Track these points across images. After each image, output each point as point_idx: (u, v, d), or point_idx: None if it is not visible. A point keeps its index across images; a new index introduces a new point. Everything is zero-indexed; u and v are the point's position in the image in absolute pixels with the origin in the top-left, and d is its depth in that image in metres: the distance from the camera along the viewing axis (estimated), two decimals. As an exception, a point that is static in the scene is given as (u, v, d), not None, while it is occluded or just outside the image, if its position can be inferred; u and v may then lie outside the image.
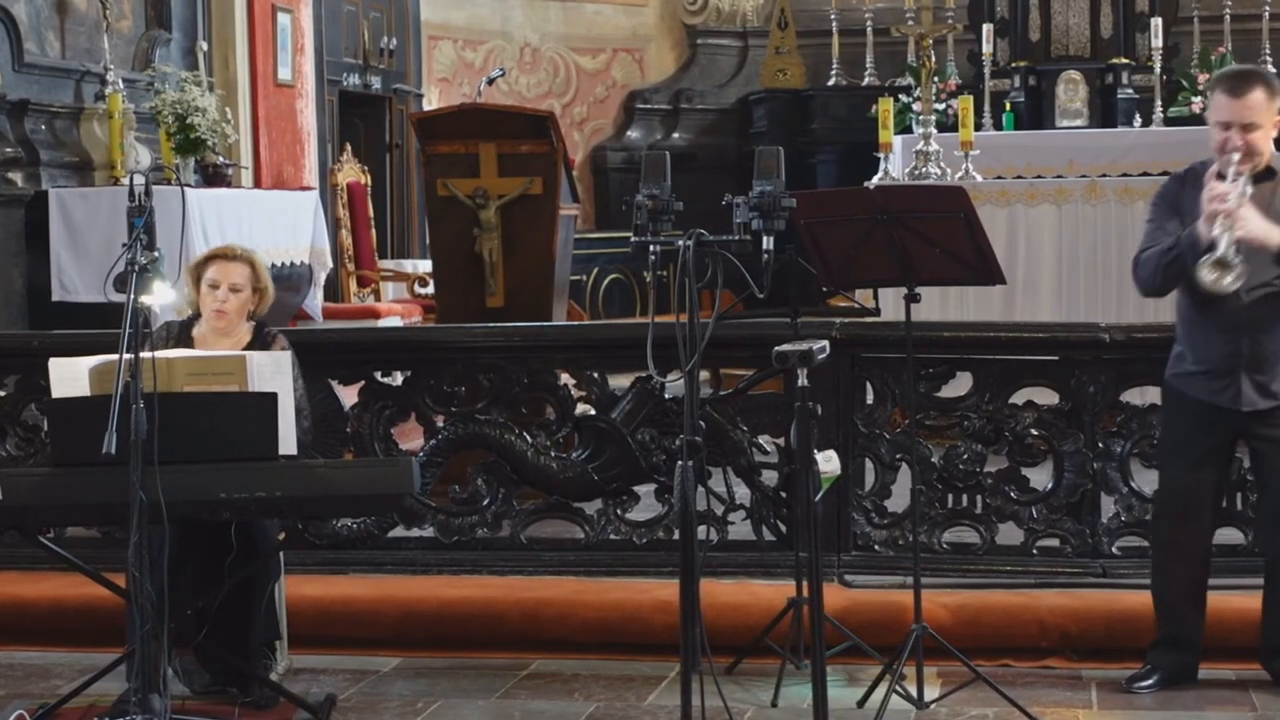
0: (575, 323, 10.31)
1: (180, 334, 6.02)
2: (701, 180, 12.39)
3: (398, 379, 7.35)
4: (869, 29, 15.36)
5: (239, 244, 6.26)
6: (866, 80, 15.49)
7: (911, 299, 5.70)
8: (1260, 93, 5.50)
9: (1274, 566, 5.70)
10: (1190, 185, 5.59)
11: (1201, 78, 14.27)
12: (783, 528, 6.75)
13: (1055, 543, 6.67)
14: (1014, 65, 14.58)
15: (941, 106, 13.84)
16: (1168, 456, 5.84)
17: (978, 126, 12.85)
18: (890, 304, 7.05)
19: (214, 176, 10.33)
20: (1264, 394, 5.55)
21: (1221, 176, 5.46)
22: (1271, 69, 14.65)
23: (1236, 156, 5.45)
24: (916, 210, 5.61)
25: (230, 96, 11.28)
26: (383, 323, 11.05)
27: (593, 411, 6.98)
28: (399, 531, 7.07)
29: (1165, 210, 5.66)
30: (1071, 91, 14.35)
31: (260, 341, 5.97)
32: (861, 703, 5.61)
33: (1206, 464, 5.68)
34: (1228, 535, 6.24)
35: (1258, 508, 6.10)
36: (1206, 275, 5.37)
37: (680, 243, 4.75)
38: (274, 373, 5.54)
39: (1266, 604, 5.73)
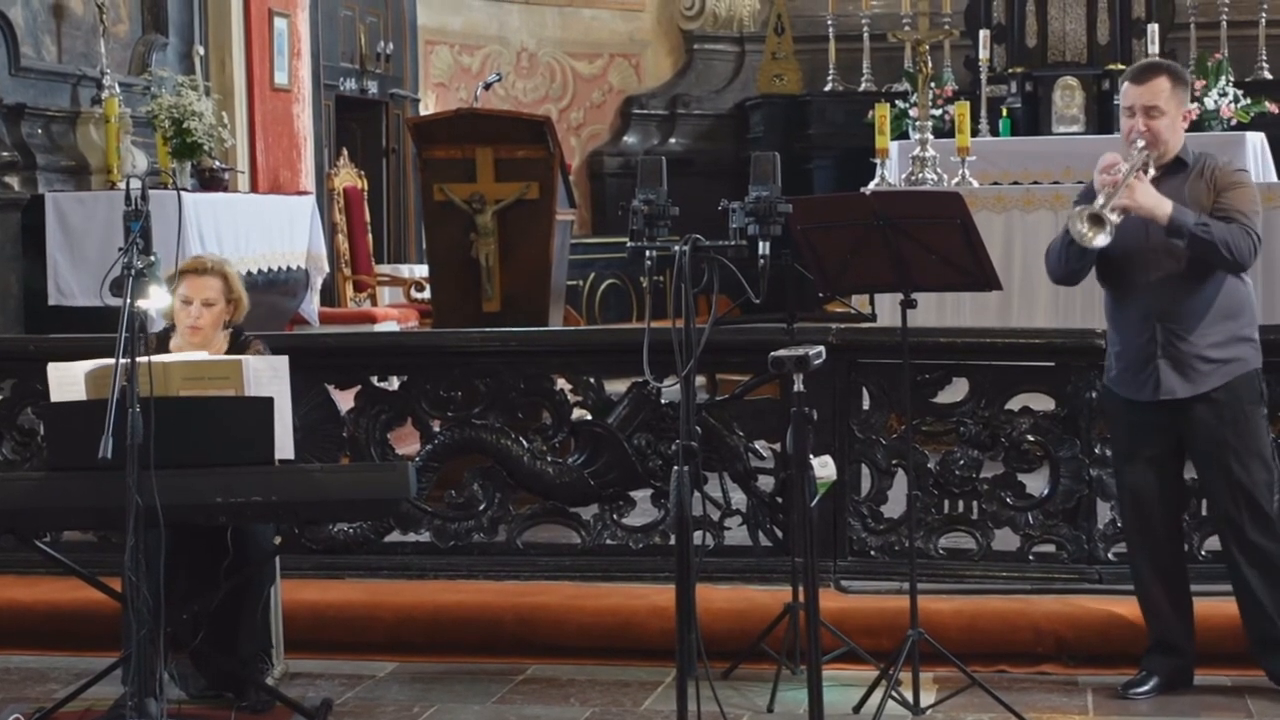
0: (571, 328, 10.32)
1: (157, 346, 5.97)
2: (698, 185, 12.34)
3: (394, 384, 7.35)
4: (866, 34, 15.37)
5: (211, 255, 6.22)
6: (863, 86, 15.49)
7: (908, 304, 5.71)
8: (1164, 80, 5.58)
9: (1233, 564, 5.69)
10: None
11: (1199, 84, 14.29)
12: (779, 533, 6.75)
13: (1051, 548, 6.67)
14: (1011, 71, 14.59)
15: (938, 112, 13.86)
16: (1117, 463, 5.92)
17: (974, 132, 12.86)
18: (886, 309, 7.07)
19: (210, 181, 10.33)
20: (1182, 379, 5.54)
21: None
22: (1269, 74, 14.81)
23: (1141, 142, 5.50)
24: (913, 216, 5.62)
25: (227, 101, 11.27)
26: (379, 327, 11.04)
27: (589, 416, 6.98)
28: (395, 536, 7.07)
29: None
30: (1068, 97, 14.36)
31: (238, 349, 5.94)
32: (858, 708, 5.61)
33: (1150, 466, 5.69)
34: (1219, 542, 6.23)
35: (1207, 508, 6.14)
36: (1077, 226, 5.41)
37: (676, 248, 4.76)
38: (271, 377, 5.54)
39: (1240, 602, 5.72)
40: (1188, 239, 5.44)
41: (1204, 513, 6.36)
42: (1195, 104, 14.17)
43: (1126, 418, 5.74)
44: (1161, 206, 5.44)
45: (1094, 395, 6.55)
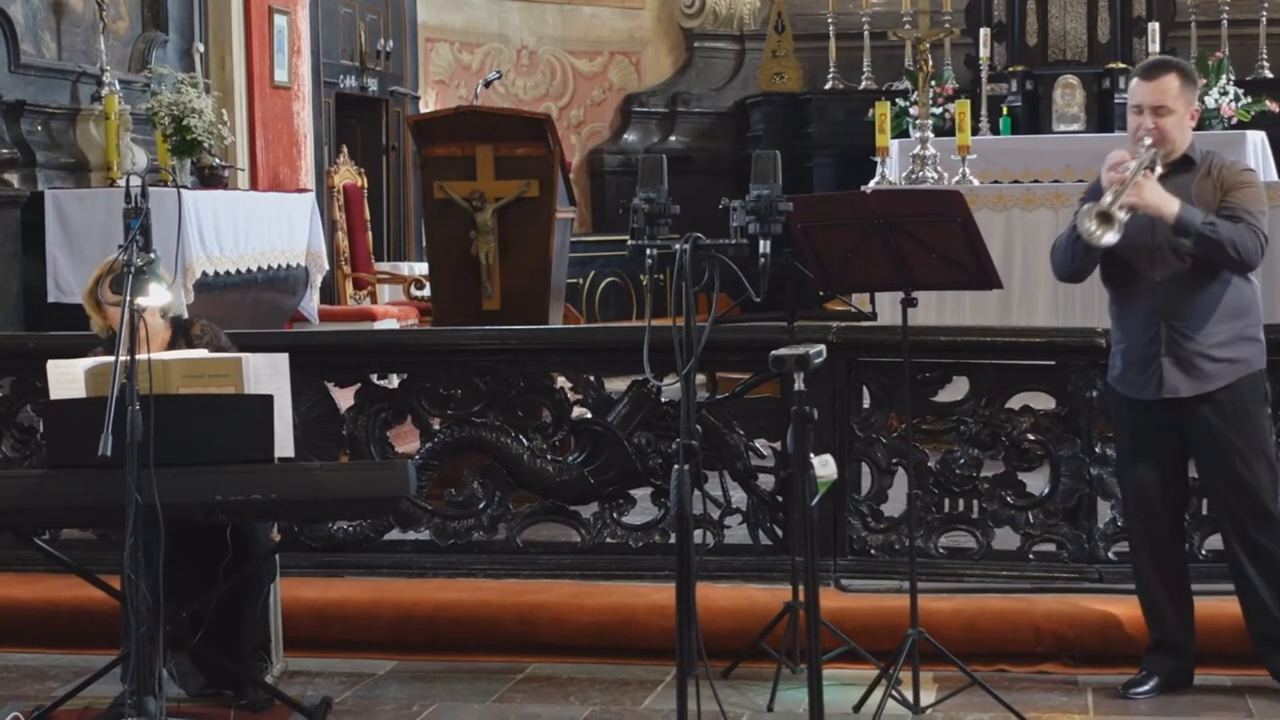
0: (571, 326, 10.31)
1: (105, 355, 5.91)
2: (698, 184, 12.39)
3: (394, 382, 7.34)
4: (866, 33, 15.38)
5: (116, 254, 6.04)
6: (863, 84, 15.50)
7: (908, 303, 5.70)
8: (1173, 78, 5.56)
9: (1236, 563, 5.68)
10: None
11: (1199, 83, 14.27)
12: (779, 532, 6.74)
13: (1051, 548, 6.66)
14: (1011, 70, 14.59)
15: (938, 111, 13.86)
16: (1120, 462, 5.90)
17: (975, 131, 12.86)
18: (887, 308, 7.06)
19: (210, 178, 10.33)
20: (1186, 378, 5.53)
21: None
22: (1269, 73, 14.81)
23: (1148, 140, 5.48)
24: (913, 215, 5.61)
25: (226, 98, 11.27)
26: (379, 325, 11.04)
27: (589, 415, 6.97)
28: (395, 534, 7.06)
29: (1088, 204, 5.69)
30: (1068, 96, 14.36)
31: (183, 334, 5.90)
32: (858, 707, 5.61)
33: (1153, 465, 5.68)
34: (1219, 541, 6.23)
35: (1208, 508, 6.13)
36: (1086, 224, 5.38)
37: (677, 246, 4.75)
38: (270, 375, 5.53)
39: (1242, 602, 5.72)
40: (1194, 238, 5.42)
41: (1204, 512, 6.36)
42: (1198, 104, 14.20)
43: (1129, 416, 5.73)
44: (1169, 205, 5.43)
45: (1094, 394, 6.55)
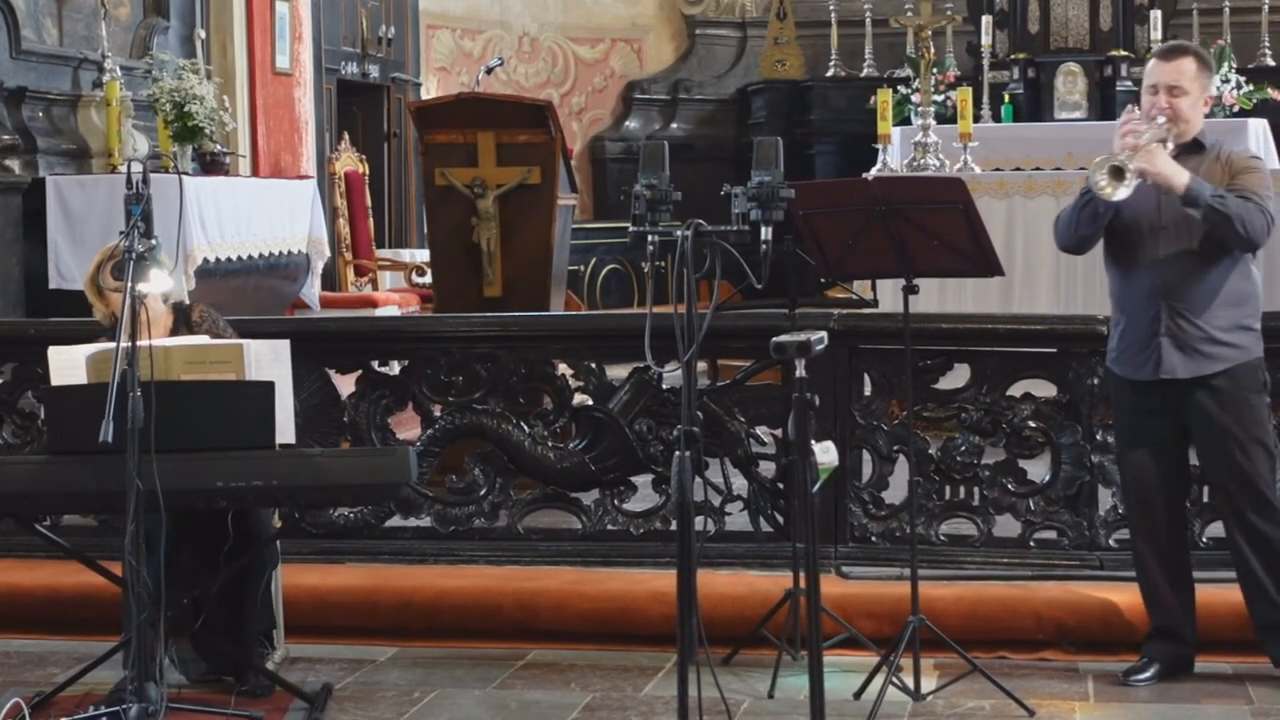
0: (573, 313, 10.30)
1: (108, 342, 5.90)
2: (700, 171, 12.39)
3: (395, 368, 7.34)
4: (868, 20, 15.38)
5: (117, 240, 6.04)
6: (865, 71, 15.50)
7: (909, 290, 5.70)
8: (1190, 61, 5.62)
9: (1237, 550, 5.68)
10: None
11: (1215, 71, 14.27)
12: (780, 519, 6.75)
13: (1052, 535, 6.66)
14: (1013, 57, 14.59)
15: (940, 98, 13.84)
16: (1119, 445, 5.91)
17: (976, 118, 12.85)
18: (888, 295, 7.05)
19: (211, 165, 10.31)
20: (1184, 359, 5.54)
21: None
22: (1271, 60, 14.80)
23: (1161, 119, 5.52)
24: (914, 202, 5.61)
25: (228, 85, 11.25)
26: (380, 312, 11.03)
27: (590, 402, 6.97)
28: (396, 521, 7.07)
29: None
30: (1070, 84, 14.35)
31: (184, 320, 5.91)
32: (858, 694, 5.61)
33: (1151, 449, 5.69)
34: (1220, 528, 6.23)
35: (1209, 495, 6.14)
36: (1096, 177, 5.41)
37: (678, 233, 4.75)
38: (271, 361, 5.53)
39: (1244, 588, 5.72)
40: (1203, 210, 5.44)
41: (1205, 499, 6.36)
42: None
43: (1128, 400, 5.73)
44: (1179, 176, 5.45)
45: (1095, 381, 6.54)
